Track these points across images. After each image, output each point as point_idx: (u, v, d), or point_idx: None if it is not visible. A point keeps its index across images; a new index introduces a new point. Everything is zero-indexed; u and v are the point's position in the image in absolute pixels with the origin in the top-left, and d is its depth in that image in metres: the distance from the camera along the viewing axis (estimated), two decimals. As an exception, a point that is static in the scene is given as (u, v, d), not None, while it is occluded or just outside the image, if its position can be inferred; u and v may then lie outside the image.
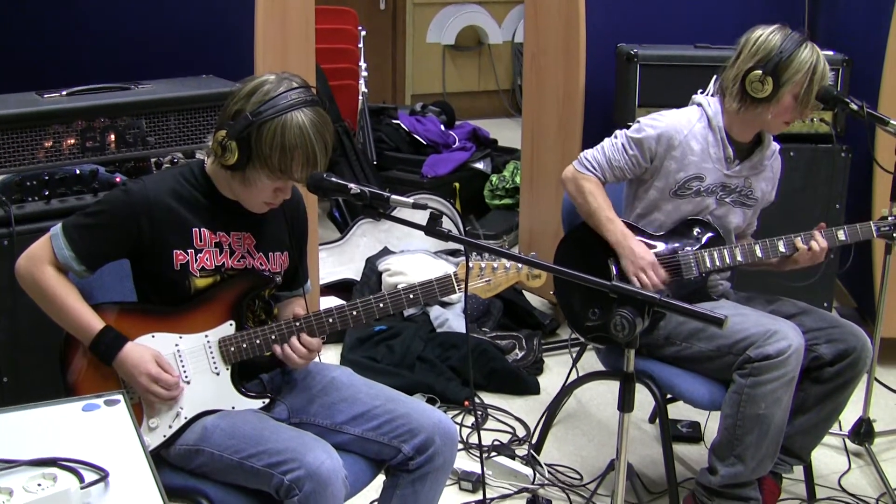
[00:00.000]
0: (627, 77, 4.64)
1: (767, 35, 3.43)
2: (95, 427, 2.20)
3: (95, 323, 2.71)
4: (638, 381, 3.35)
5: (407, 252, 5.61)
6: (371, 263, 5.52)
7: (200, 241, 2.78)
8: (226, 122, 2.69)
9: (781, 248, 3.52)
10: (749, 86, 3.41)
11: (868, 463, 4.12)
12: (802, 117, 3.53)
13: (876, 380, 4.23)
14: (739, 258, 3.53)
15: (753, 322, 3.39)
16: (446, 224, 5.81)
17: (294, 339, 2.81)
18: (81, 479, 1.93)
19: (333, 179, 2.61)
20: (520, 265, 2.87)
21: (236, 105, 2.68)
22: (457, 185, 6.77)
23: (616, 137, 3.59)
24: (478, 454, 4.06)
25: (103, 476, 1.95)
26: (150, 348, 2.74)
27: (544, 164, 5.31)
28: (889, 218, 3.66)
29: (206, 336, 2.81)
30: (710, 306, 3.50)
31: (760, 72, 3.39)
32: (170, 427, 2.76)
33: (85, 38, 4.21)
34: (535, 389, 4.67)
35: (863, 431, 4.14)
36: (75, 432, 2.17)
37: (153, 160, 3.75)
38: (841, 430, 4.14)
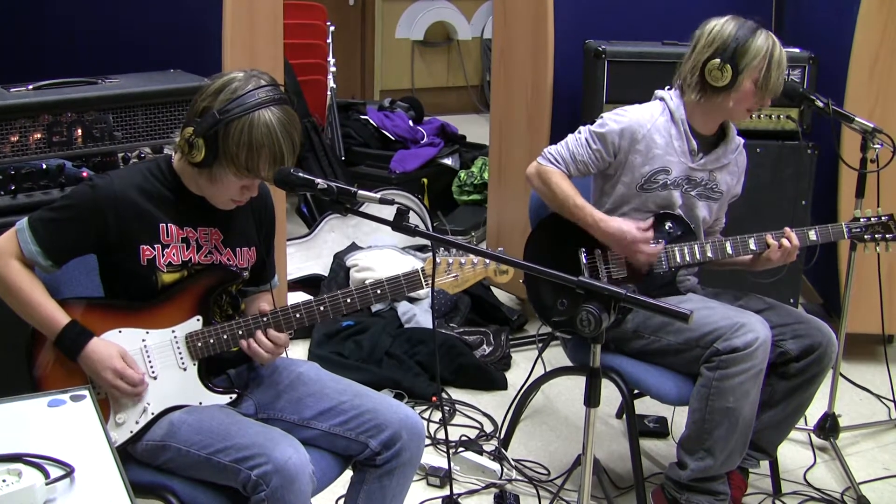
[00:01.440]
0: (595, 73, 4.65)
1: (722, 25, 3.46)
2: (61, 422, 2.19)
3: (61, 318, 2.70)
4: (605, 376, 3.38)
5: (375, 247, 5.61)
6: (339, 259, 5.51)
7: (167, 236, 2.77)
8: (193, 118, 2.68)
9: (752, 246, 3.54)
10: (708, 75, 3.44)
11: (833, 457, 4.15)
12: (763, 104, 3.52)
13: (841, 375, 4.27)
14: (710, 254, 3.54)
15: (721, 315, 3.41)
16: (414, 219, 5.81)
17: (260, 334, 2.81)
18: (47, 474, 1.92)
19: (300, 174, 2.60)
20: (487, 260, 2.87)
21: (204, 102, 2.68)
22: (425, 180, 6.77)
23: (580, 133, 3.61)
24: (445, 449, 4.06)
25: (69, 472, 1.95)
26: (116, 344, 2.73)
27: (512, 159, 5.32)
28: (861, 220, 3.68)
29: (173, 331, 2.80)
30: (678, 301, 3.52)
31: (719, 60, 3.41)
32: (136, 423, 2.75)
33: (52, 31, 4.18)
34: (502, 385, 4.68)
35: (828, 426, 4.17)
36: (41, 428, 2.16)
37: (120, 155, 3.73)
38: (806, 424, 4.17)
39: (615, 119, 3.56)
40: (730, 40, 3.40)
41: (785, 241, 3.52)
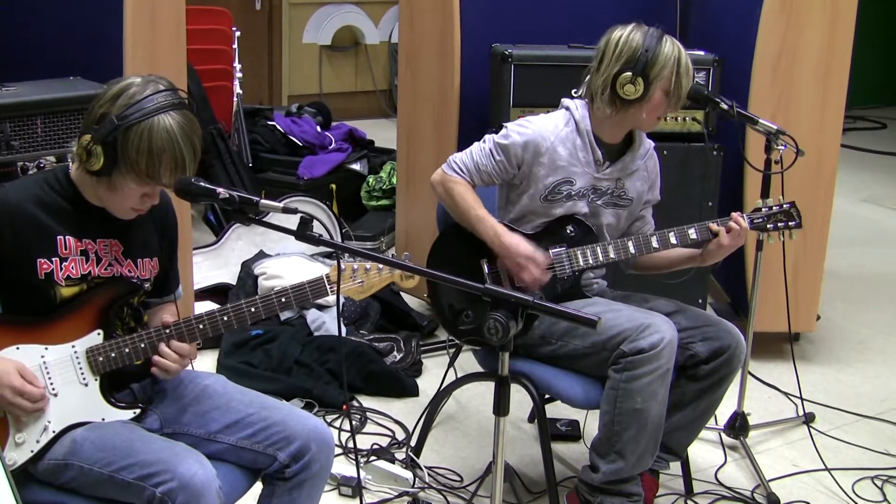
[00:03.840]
0: (502, 77, 4.65)
1: (628, 35, 3.45)
2: (-46, 444, 2.12)
3: (-46, 337, 2.62)
4: (515, 381, 3.37)
5: (283, 255, 5.55)
6: (247, 267, 5.44)
7: (65, 249, 2.70)
8: (91, 125, 2.62)
9: (654, 244, 3.55)
10: (620, 89, 3.43)
11: (743, 456, 4.19)
12: (673, 111, 3.55)
13: (750, 374, 4.32)
14: (612, 255, 3.55)
15: (627, 317, 3.41)
16: (322, 226, 5.77)
17: (164, 347, 2.74)
18: (-62, 499, 1.86)
19: (202, 184, 2.57)
20: (393, 266, 2.84)
21: (101, 108, 2.62)
22: (333, 186, 6.72)
23: (485, 142, 3.59)
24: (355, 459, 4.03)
25: (-39, 496, 1.89)
26: (13, 360, 2.64)
27: (420, 164, 5.31)
28: (762, 209, 3.71)
29: (73, 346, 2.73)
30: (584, 304, 3.53)
31: (630, 73, 3.41)
32: (37, 442, 2.67)
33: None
34: (413, 391, 4.65)
35: (738, 425, 4.21)
36: (-67, 450, 2.10)
37: (19, 165, 3.65)
38: (717, 424, 4.21)
39: (518, 131, 3.55)
40: (639, 52, 3.40)
41: (734, 225, 3.53)
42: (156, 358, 2.75)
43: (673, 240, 3.56)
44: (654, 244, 3.56)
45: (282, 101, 9.69)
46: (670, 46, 3.43)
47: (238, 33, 7.25)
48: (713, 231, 3.55)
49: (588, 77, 3.55)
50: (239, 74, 7.14)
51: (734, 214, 3.57)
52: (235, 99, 7.07)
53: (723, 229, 3.54)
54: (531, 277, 3.49)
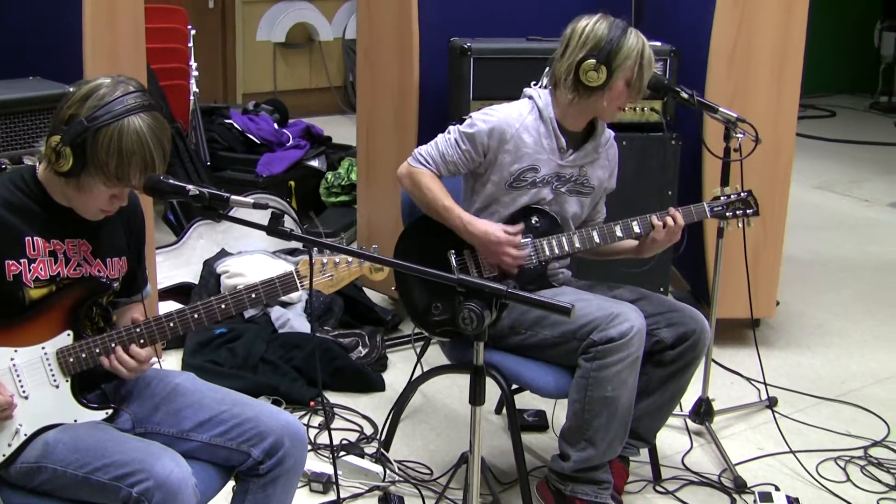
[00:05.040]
0: (461, 71, 4.66)
1: (594, 24, 3.48)
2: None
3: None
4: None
5: (245, 253, 5.53)
6: (209, 266, 5.42)
7: (34, 250, 2.68)
8: (60, 126, 2.60)
9: (618, 233, 3.58)
10: (583, 75, 3.46)
11: (709, 441, 4.23)
12: (634, 102, 3.59)
13: (713, 360, 4.35)
14: (577, 245, 3.58)
15: (596, 306, 3.44)
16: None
17: (121, 351, 2.72)
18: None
19: (171, 181, 2.57)
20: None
21: (70, 109, 2.60)
22: (292, 183, 6.72)
23: (449, 133, 3.61)
24: (326, 454, 4.02)
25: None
26: (-19, 367, 2.63)
27: (380, 159, 5.30)
28: (721, 198, 3.76)
29: (43, 348, 2.71)
30: (553, 293, 3.55)
31: (594, 61, 3.43)
32: (9, 445, 2.66)
33: None
34: (380, 386, 4.66)
35: (703, 411, 4.25)
36: None
37: (-21, 167, 3.62)
38: (682, 410, 4.24)
39: (483, 119, 3.56)
40: (603, 41, 3.43)
41: (669, 220, 3.58)
42: (113, 363, 2.73)
43: (636, 228, 3.60)
44: (618, 233, 3.59)
45: (237, 100, 9.66)
46: (634, 38, 3.46)
47: (193, 31, 7.21)
48: (653, 225, 3.60)
49: (552, 64, 3.58)
50: (195, 73, 7.10)
51: (671, 210, 3.61)
52: (192, 97, 7.04)
53: (660, 224, 3.58)
54: (510, 259, 3.51)
